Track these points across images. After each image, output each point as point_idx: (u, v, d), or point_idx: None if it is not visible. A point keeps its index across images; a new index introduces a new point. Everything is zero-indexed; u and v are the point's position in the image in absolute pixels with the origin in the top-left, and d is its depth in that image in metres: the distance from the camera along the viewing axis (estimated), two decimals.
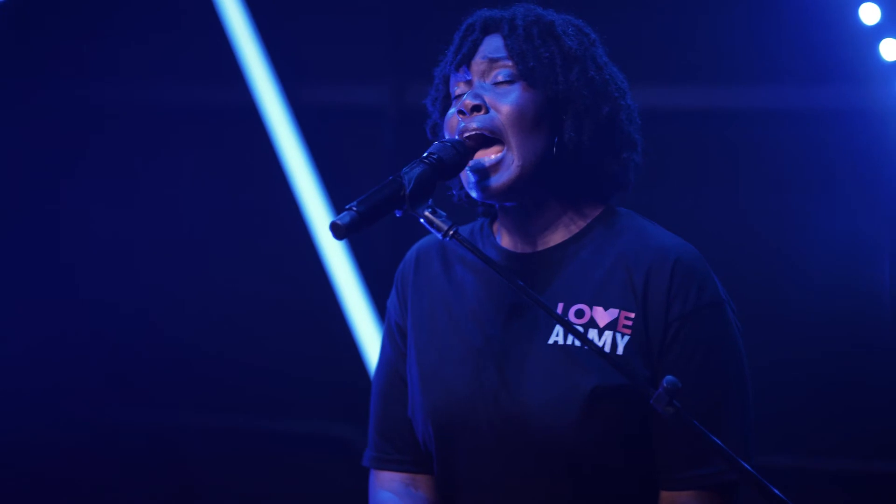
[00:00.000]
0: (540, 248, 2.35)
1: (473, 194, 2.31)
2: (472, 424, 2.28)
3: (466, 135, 2.28)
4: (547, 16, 2.36)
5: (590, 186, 2.36)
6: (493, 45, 2.34)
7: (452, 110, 2.33)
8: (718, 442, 2.00)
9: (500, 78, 2.31)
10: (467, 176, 2.30)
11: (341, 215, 2.13)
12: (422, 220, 2.18)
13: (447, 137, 2.33)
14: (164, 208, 4.76)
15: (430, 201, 2.20)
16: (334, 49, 4.62)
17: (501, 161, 2.27)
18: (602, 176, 2.35)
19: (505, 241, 2.39)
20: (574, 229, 2.35)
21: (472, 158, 2.28)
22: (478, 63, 2.33)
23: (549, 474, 2.25)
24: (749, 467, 2.00)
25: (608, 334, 2.25)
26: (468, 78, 2.34)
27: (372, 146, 4.52)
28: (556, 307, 2.29)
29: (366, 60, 4.61)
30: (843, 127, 4.11)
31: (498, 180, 2.27)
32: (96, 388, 4.81)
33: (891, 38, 3.97)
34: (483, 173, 2.27)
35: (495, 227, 2.44)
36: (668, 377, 1.98)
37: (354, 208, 2.13)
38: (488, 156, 2.28)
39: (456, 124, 2.31)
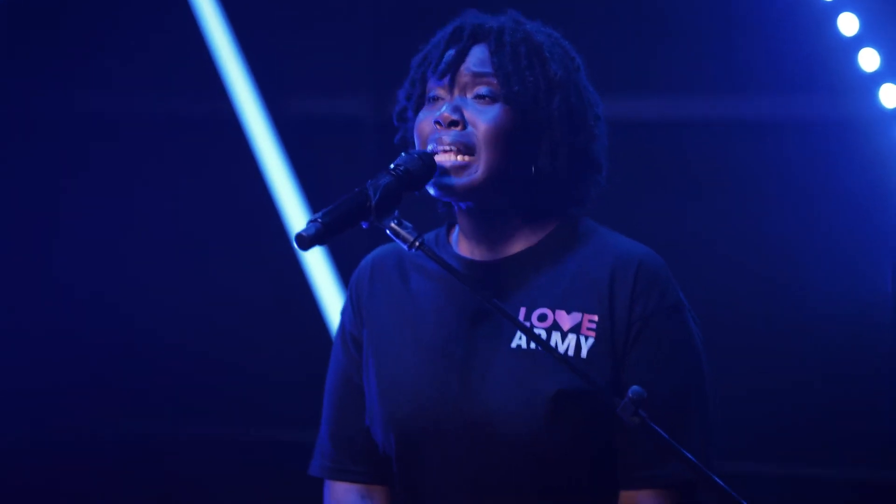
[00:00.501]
0: (500, 256, 2.35)
1: (431, 191, 2.30)
2: (436, 431, 2.28)
3: (439, 147, 2.28)
4: (536, 35, 2.35)
5: (550, 205, 2.37)
6: (478, 56, 2.32)
7: (426, 114, 2.33)
8: (678, 447, 2.01)
9: (482, 92, 2.30)
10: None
11: (306, 227, 2.13)
12: (388, 232, 2.19)
13: (416, 142, 2.34)
14: (147, 218, 4.76)
15: (397, 212, 2.19)
16: (315, 60, 4.62)
17: (466, 167, 2.27)
18: (564, 197, 2.37)
19: (463, 249, 2.40)
20: (534, 239, 2.35)
21: (445, 175, 2.28)
22: (462, 75, 2.32)
23: (514, 479, 2.25)
24: (706, 470, 2.02)
25: (572, 337, 2.26)
26: (448, 85, 2.33)
27: (353, 157, 4.52)
28: (518, 312, 2.29)
29: (346, 72, 4.61)
30: (822, 138, 4.11)
31: (458, 182, 2.27)
32: (79, 393, 4.80)
33: (870, 49, 3.97)
34: (444, 171, 2.27)
35: (451, 236, 2.44)
36: (634, 387, 2.00)
37: (319, 220, 2.13)
38: (453, 158, 2.27)
39: (429, 132, 2.30)
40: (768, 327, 4.18)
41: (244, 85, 4.65)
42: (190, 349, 4.72)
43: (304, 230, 2.12)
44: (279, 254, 4.60)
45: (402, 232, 2.17)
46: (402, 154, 2.28)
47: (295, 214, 4.59)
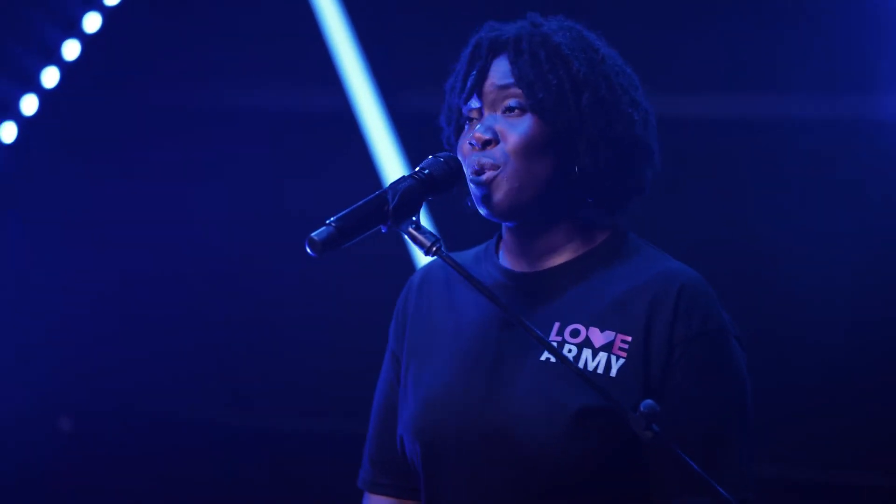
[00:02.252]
0: (540, 268, 2.30)
1: (481, 211, 2.28)
2: (459, 441, 2.24)
3: (474, 169, 2.24)
4: (553, 36, 2.27)
5: (606, 201, 2.31)
6: (500, 70, 2.27)
7: (463, 139, 2.30)
8: (699, 469, 1.96)
9: (509, 105, 2.25)
10: (473, 191, 2.27)
11: (319, 230, 2.12)
12: (405, 237, 2.15)
13: (443, 153, 2.30)
14: (261, 212, 4.82)
15: (416, 217, 2.15)
16: (432, 54, 4.58)
17: (494, 179, 2.24)
18: (620, 190, 2.30)
19: (507, 259, 2.35)
20: (578, 252, 2.30)
21: (469, 170, 2.25)
22: (487, 92, 2.28)
23: (535, 492, 2.19)
24: (735, 501, 1.96)
25: (602, 355, 2.19)
26: (479, 106, 2.29)
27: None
28: (552, 326, 2.24)
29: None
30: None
31: (498, 196, 2.23)
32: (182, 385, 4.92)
33: None
34: (486, 188, 2.24)
35: (500, 246, 2.40)
36: (647, 401, 1.94)
37: (333, 223, 2.11)
38: (482, 175, 2.24)
39: (468, 154, 2.27)
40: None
41: (361, 79, 4.65)
42: (303, 344, 4.78)
43: (317, 233, 2.11)
44: (394, 250, 4.60)
45: (420, 237, 2.13)
46: (429, 157, 2.25)
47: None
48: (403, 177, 2.19)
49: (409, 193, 2.15)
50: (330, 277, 4.75)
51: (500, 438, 2.20)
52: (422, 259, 4.56)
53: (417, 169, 2.21)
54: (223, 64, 4.80)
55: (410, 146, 4.64)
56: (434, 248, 2.12)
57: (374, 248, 4.56)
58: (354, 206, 2.14)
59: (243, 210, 4.85)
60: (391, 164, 4.64)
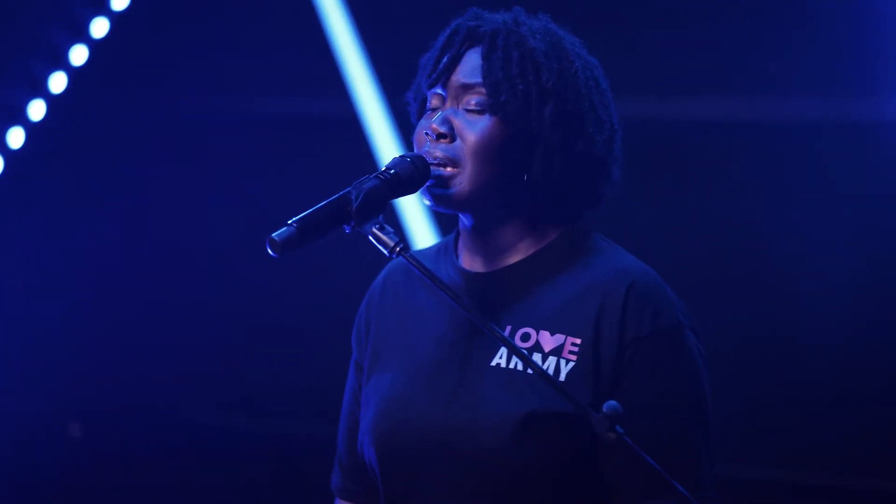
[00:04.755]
0: (495, 267, 2.27)
1: (425, 201, 2.25)
2: (413, 447, 2.21)
3: (430, 159, 2.22)
4: (531, 39, 2.23)
5: (556, 210, 2.27)
6: (470, 64, 2.24)
7: (422, 123, 2.27)
8: (662, 471, 1.93)
9: (471, 105, 2.22)
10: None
11: (280, 230, 2.10)
12: (370, 237, 2.12)
13: (415, 148, 2.27)
14: (266, 216, 4.80)
15: (381, 217, 2.13)
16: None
17: (452, 177, 2.21)
18: (569, 202, 2.27)
19: (464, 260, 2.32)
20: (532, 249, 2.26)
21: (437, 185, 2.22)
22: (453, 84, 2.24)
23: (488, 498, 2.16)
24: (696, 501, 1.93)
25: (552, 359, 2.16)
26: (442, 94, 2.26)
27: None
28: (504, 329, 2.21)
29: None
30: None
31: (446, 192, 2.21)
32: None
33: None
34: (434, 182, 2.21)
35: (460, 244, 2.36)
36: (610, 402, 1.90)
37: (294, 224, 2.09)
38: (441, 169, 2.21)
39: (423, 142, 2.25)
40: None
41: (366, 84, 4.64)
42: (312, 347, 4.77)
43: (277, 234, 2.09)
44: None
45: (384, 237, 2.10)
46: (395, 157, 2.22)
47: (414, 213, 4.56)
48: (368, 176, 2.16)
49: (374, 193, 2.13)
50: (335, 280, 4.74)
51: (451, 444, 2.17)
52: None
53: (383, 168, 2.18)
54: (229, 69, 4.81)
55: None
56: (397, 249, 2.09)
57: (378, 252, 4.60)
58: (317, 206, 2.12)
59: (249, 215, 4.84)
60: None
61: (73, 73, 4.73)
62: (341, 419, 2.47)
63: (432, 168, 2.21)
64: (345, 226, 2.13)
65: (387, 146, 4.64)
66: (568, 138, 2.20)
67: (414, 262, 2.10)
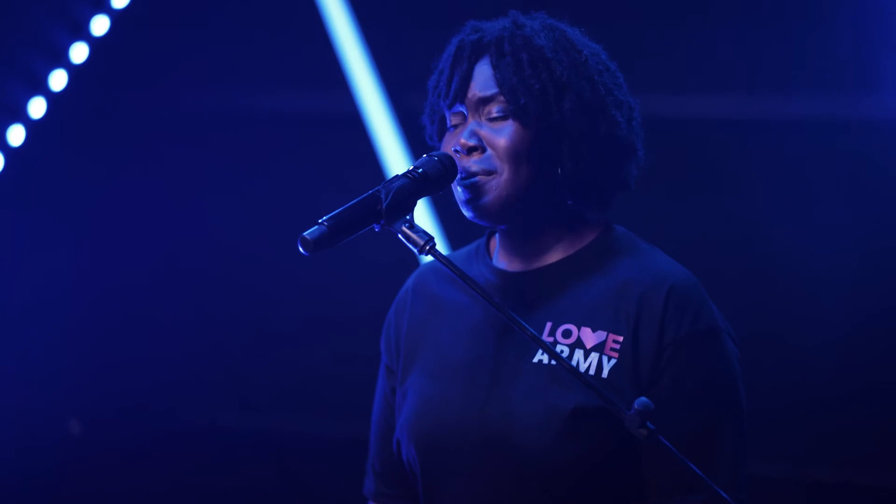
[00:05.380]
0: (533, 267, 2.30)
1: (466, 213, 2.27)
2: (456, 445, 2.23)
3: (463, 176, 2.24)
4: (536, 38, 2.26)
5: (591, 197, 2.30)
6: (483, 76, 2.27)
7: (448, 143, 2.30)
8: (694, 467, 1.95)
9: (493, 114, 2.25)
10: (458, 193, 2.27)
11: (311, 229, 2.11)
12: (399, 236, 2.14)
13: (436, 151, 2.29)
14: (266, 213, 4.82)
15: (410, 216, 2.15)
16: (438, 56, 4.58)
17: (487, 183, 2.23)
18: (603, 186, 2.30)
19: (499, 260, 2.35)
20: (570, 250, 2.29)
21: (458, 174, 2.24)
22: (470, 100, 2.27)
23: (531, 494, 2.19)
24: (730, 499, 1.96)
25: (594, 356, 2.19)
26: (462, 110, 2.29)
27: None
28: (544, 326, 2.24)
29: None
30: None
31: (487, 200, 2.23)
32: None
33: None
34: (474, 191, 2.23)
35: (492, 246, 2.39)
36: (641, 399, 1.93)
37: (325, 222, 2.10)
38: (479, 176, 2.23)
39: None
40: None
41: (368, 80, 4.65)
42: (311, 347, 4.80)
43: (309, 232, 2.10)
44: (400, 252, 4.59)
45: (414, 236, 2.13)
46: (423, 156, 2.24)
47: (417, 210, 4.56)
48: (397, 175, 2.19)
49: (403, 192, 2.15)
50: (336, 280, 4.76)
51: (496, 442, 2.19)
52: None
53: (411, 167, 2.20)
54: (230, 67, 4.81)
55: (418, 147, 4.63)
56: (428, 248, 2.11)
57: (377, 251, 4.60)
58: (347, 204, 2.14)
59: (250, 212, 4.86)
60: (398, 165, 4.63)
61: (74, 70, 4.71)
62: (373, 425, 2.50)
63: (464, 184, 2.23)
64: (374, 224, 2.14)
65: (389, 143, 4.64)
66: (591, 125, 2.24)
67: (443, 260, 2.12)
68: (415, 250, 2.12)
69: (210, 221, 4.87)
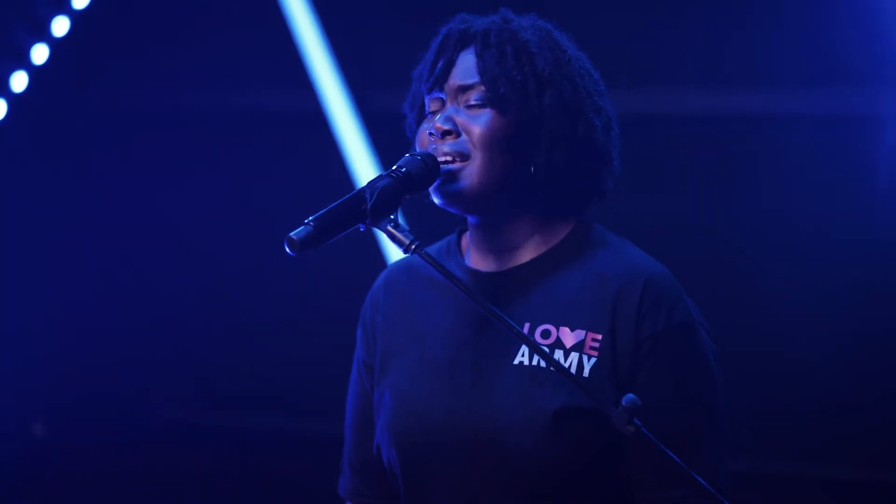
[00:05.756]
0: (507, 266, 2.30)
1: (436, 200, 2.27)
2: (439, 446, 2.24)
3: (438, 158, 2.25)
4: (522, 32, 2.29)
5: (562, 203, 2.31)
6: (465, 65, 2.28)
7: (424, 126, 2.31)
8: (680, 462, 1.98)
9: (472, 101, 2.26)
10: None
11: (298, 229, 2.11)
12: (384, 235, 2.15)
13: (418, 150, 2.30)
14: (232, 210, 4.83)
15: (394, 216, 2.16)
16: (402, 54, 4.60)
17: (461, 170, 2.24)
18: (576, 193, 2.31)
19: (472, 259, 2.35)
20: (543, 247, 2.30)
21: (447, 181, 2.25)
22: (450, 86, 2.29)
23: (516, 494, 2.20)
24: (714, 490, 1.99)
25: (574, 356, 2.20)
26: (441, 97, 2.30)
27: None
28: (522, 327, 2.24)
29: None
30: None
31: (457, 186, 2.23)
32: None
33: None
34: (444, 179, 2.24)
35: (463, 244, 2.40)
36: (628, 395, 1.95)
37: (311, 222, 2.11)
38: (450, 164, 2.24)
39: (427, 143, 2.28)
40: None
41: (331, 79, 4.66)
42: (269, 341, 4.79)
43: (295, 233, 2.10)
44: (363, 251, 4.61)
45: (399, 235, 2.13)
46: (406, 156, 2.24)
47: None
48: (381, 175, 2.19)
49: (387, 192, 2.15)
50: (306, 278, 4.76)
51: (481, 443, 2.20)
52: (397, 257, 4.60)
53: (394, 167, 2.21)
54: (193, 66, 4.81)
55: (380, 144, 4.66)
56: (413, 247, 2.12)
57: (346, 250, 4.62)
58: (332, 204, 2.14)
59: (214, 210, 4.86)
60: (361, 163, 4.65)
61: (35, 71, 4.70)
62: (348, 422, 2.48)
63: (441, 165, 2.23)
64: (360, 224, 2.15)
65: (352, 140, 4.66)
66: (568, 124, 2.25)
67: (430, 260, 2.13)
68: (400, 249, 2.14)
69: (174, 220, 4.86)
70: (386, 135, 4.64)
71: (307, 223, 2.11)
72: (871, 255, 4.03)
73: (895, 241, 4.00)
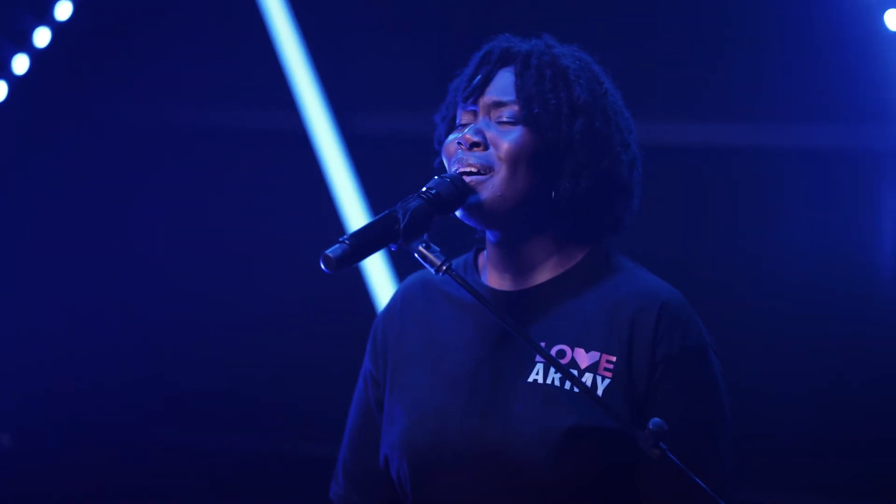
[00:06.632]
0: (524, 286, 2.34)
1: (458, 214, 2.30)
2: (451, 461, 2.26)
3: (462, 168, 2.28)
4: (563, 59, 2.34)
5: (580, 230, 2.35)
6: (503, 82, 2.32)
7: (453, 137, 2.33)
8: (704, 486, 2.02)
9: (504, 118, 2.30)
10: None
11: (333, 248, 2.13)
12: (416, 255, 2.18)
13: (445, 163, 2.34)
14: (211, 231, 4.82)
15: (426, 236, 2.19)
16: (385, 77, 4.65)
17: (484, 181, 2.27)
18: (593, 223, 2.35)
19: (489, 278, 2.38)
20: (559, 269, 2.34)
21: (469, 194, 2.27)
22: (485, 101, 2.32)
23: None
24: None
25: (588, 376, 2.24)
26: (475, 110, 2.34)
27: (421, 173, 4.52)
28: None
29: (418, 88, 4.62)
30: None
31: (479, 198, 2.26)
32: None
33: None
34: (469, 190, 2.27)
35: (479, 263, 2.43)
36: (655, 419, 1.99)
37: (347, 241, 2.14)
38: (474, 176, 2.27)
39: (454, 152, 2.31)
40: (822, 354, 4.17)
41: (314, 100, 4.69)
42: (251, 361, 4.79)
43: (331, 251, 2.13)
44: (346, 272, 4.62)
45: (430, 255, 2.17)
46: (435, 178, 2.27)
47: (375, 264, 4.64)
48: (412, 196, 2.23)
49: (419, 213, 2.19)
50: (281, 297, 4.78)
51: (492, 459, 2.23)
52: (378, 283, 4.63)
53: (425, 189, 2.24)
54: (174, 80, 4.81)
55: (361, 165, 4.69)
56: (444, 268, 2.16)
57: (318, 271, 4.63)
58: (366, 224, 2.18)
59: (193, 228, 4.85)
60: (342, 183, 4.67)
61: (15, 82, 4.69)
62: (349, 431, 2.50)
63: (466, 178, 2.27)
64: (391, 244, 2.18)
65: (334, 160, 4.68)
66: (596, 155, 2.29)
67: (460, 280, 2.17)
68: (431, 270, 2.17)
69: (152, 236, 4.85)
70: (366, 155, 4.68)
71: (342, 241, 2.14)
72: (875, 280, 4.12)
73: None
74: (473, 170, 2.27)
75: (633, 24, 4.28)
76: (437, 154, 2.40)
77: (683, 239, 4.23)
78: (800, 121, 4.22)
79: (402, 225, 2.17)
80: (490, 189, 2.26)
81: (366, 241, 2.16)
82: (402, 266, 4.59)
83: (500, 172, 2.26)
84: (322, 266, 2.13)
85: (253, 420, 4.87)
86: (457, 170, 2.29)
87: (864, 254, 4.12)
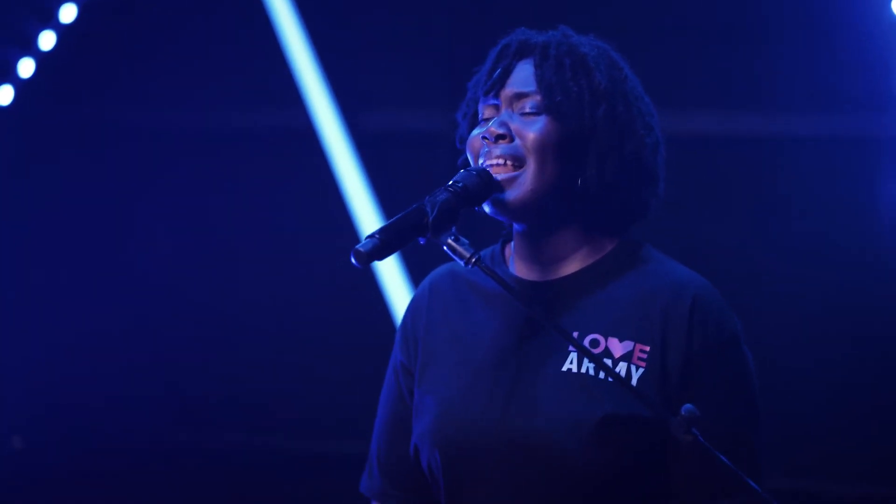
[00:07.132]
0: (553, 276, 2.34)
1: (486, 209, 2.30)
2: (482, 450, 2.26)
3: (489, 162, 2.28)
4: (581, 47, 2.34)
5: (608, 218, 2.35)
6: (523, 74, 2.32)
7: (477, 132, 2.33)
8: (736, 469, 2.01)
9: (527, 109, 2.30)
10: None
11: (363, 242, 2.14)
12: (445, 248, 2.18)
13: (470, 159, 2.34)
14: (220, 231, 4.82)
15: (454, 229, 2.19)
16: (392, 75, 4.65)
17: (515, 178, 2.27)
18: (621, 210, 2.35)
19: (517, 269, 2.39)
20: (588, 260, 2.34)
21: (497, 191, 2.28)
22: (506, 94, 2.32)
23: (558, 499, 2.23)
24: (768, 497, 2.02)
25: (622, 365, 2.24)
26: (496, 103, 2.34)
27: (428, 172, 4.53)
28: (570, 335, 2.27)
29: (424, 86, 4.63)
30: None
31: (509, 196, 2.26)
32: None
33: None
34: (496, 185, 2.27)
35: (507, 254, 2.43)
36: (687, 405, 1.99)
37: (377, 235, 2.14)
38: (503, 170, 2.28)
39: (479, 148, 2.31)
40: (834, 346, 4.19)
41: (322, 98, 4.69)
42: (262, 360, 4.79)
43: (362, 245, 2.13)
44: (354, 269, 4.62)
45: (459, 248, 2.17)
46: (461, 171, 2.28)
47: (370, 228, 4.62)
48: (439, 189, 2.23)
49: (447, 206, 2.19)
50: (289, 295, 4.78)
51: (524, 448, 2.23)
52: (390, 281, 4.63)
53: (451, 182, 2.24)
54: (180, 82, 4.81)
55: (370, 163, 4.69)
56: (473, 260, 2.16)
57: (328, 270, 4.64)
58: (395, 218, 2.17)
59: (201, 227, 4.85)
60: (351, 181, 4.68)
61: (21, 85, 4.69)
62: (379, 423, 2.50)
63: (493, 171, 2.27)
64: (420, 238, 2.19)
65: (342, 159, 4.69)
66: (619, 140, 2.30)
67: (489, 272, 2.16)
68: (461, 262, 2.17)
69: (161, 238, 4.85)
70: (375, 153, 4.68)
71: (373, 236, 2.14)
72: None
73: None
74: (501, 161, 2.27)
75: (635, 17, 4.28)
76: (447, 151, 2.41)
77: (692, 227, 4.23)
78: (809, 110, 4.22)
79: (430, 218, 2.17)
80: (521, 185, 2.26)
81: (395, 235, 2.16)
82: (412, 266, 4.59)
83: (531, 166, 2.26)
84: (353, 261, 2.13)
85: (264, 420, 4.88)
86: (483, 163, 2.29)
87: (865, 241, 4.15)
